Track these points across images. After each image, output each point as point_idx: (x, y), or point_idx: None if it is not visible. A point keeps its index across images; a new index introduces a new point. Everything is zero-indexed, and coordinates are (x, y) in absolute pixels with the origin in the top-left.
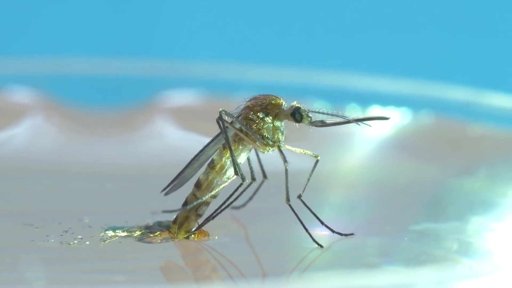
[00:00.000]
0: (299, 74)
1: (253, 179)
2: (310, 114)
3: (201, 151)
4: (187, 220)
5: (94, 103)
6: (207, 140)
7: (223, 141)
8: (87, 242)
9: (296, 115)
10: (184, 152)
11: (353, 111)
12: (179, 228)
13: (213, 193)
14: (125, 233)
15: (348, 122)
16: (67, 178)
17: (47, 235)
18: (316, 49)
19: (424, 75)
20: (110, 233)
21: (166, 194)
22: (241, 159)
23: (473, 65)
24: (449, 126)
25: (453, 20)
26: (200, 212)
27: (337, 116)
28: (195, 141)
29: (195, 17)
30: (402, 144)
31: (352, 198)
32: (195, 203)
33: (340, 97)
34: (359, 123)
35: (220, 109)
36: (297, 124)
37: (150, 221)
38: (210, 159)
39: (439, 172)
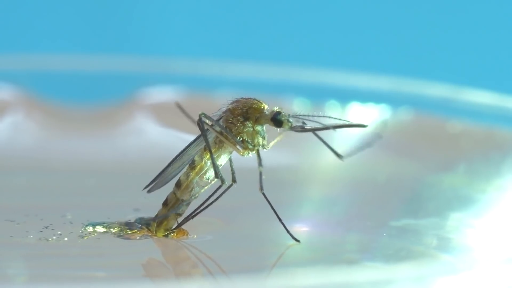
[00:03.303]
0: (279, 71)
1: (234, 181)
2: (290, 119)
3: (182, 150)
4: (167, 218)
5: (74, 99)
6: (186, 137)
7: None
8: (66, 238)
9: (276, 120)
10: (164, 149)
11: (332, 108)
12: (158, 226)
13: (192, 193)
14: (104, 229)
15: (327, 128)
16: (49, 174)
17: (27, 231)
18: (296, 46)
19: (403, 72)
20: (90, 229)
21: (149, 191)
22: (222, 161)
23: (452, 62)
24: (428, 122)
25: (432, 17)
26: (179, 211)
27: (317, 122)
28: (175, 138)
29: (174, 13)
30: (381, 141)
31: (331, 194)
32: (177, 208)
33: (319, 93)
34: (337, 129)
35: (200, 112)
36: (278, 129)
37: (132, 217)
38: (191, 160)
39: (418, 168)
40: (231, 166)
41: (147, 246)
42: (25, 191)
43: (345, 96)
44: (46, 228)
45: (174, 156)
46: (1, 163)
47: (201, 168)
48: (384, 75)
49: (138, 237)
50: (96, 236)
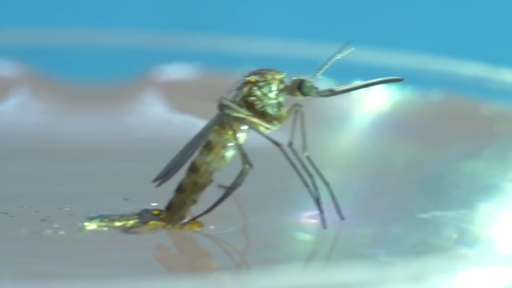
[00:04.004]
0: (303, 48)
1: (250, 165)
2: (315, 85)
3: (196, 138)
4: (184, 205)
5: (84, 77)
6: (196, 120)
7: (218, 120)
8: (62, 232)
9: (302, 88)
10: (171, 130)
11: None
12: (172, 216)
13: (211, 177)
14: (113, 224)
15: (358, 87)
16: (52, 158)
17: (21, 224)
18: (319, 21)
19: (434, 50)
20: (96, 223)
21: (158, 185)
22: (241, 140)
23: (487, 41)
24: (460, 104)
25: None
26: (196, 197)
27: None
28: (182, 121)
29: None
30: (406, 123)
31: (344, 182)
32: (196, 194)
33: (344, 71)
34: (370, 87)
35: (219, 97)
36: (301, 97)
37: (134, 207)
38: (205, 141)
39: (444, 154)
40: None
41: (159, 239)
42: (28, 176)
43: (371, 74)
44: (44, 221)
45: (187, 143)
46: (6, 145)
47: (222, 147)
48: (414, 53)
49: (146, 231)
50: (96, 230)
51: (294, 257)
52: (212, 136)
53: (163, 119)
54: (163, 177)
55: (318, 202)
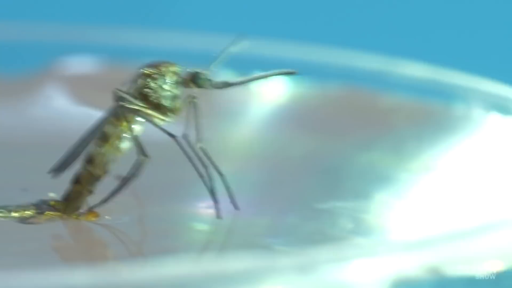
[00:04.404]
0: (203, 40)
1: (146, 155)
2: (210, 77)
3: (91, 129)
4: (80, 196)
5: None
6: (99, 113)
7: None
8: None
9: (197, 79)
10: (73, 123)
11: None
12: (68, 206)
13: (107, 168)
14: (9, 214)
15: (253, 79)
16: None
17: None
18: (217, 12)
19: (332, 41)
20: None
21: (53, 176)
22: (136, 132)
23: (385, 33)
24: (357, 96)
25: None
26: (92, 188)
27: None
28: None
29: None
30: (303, 115)
31: (240, 172)
32: (91, 185)
33: (242, 64)
34: (264, 79)
35: (114, 89)
36: (196, 89)
37: (32, 198)
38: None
39: (340, 145)
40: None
41: (55, 229)
42: None
43: (268, 66)
44: None
45: (82, 134)
46: None
47: (116, 139)
48: (311, 45)
49: (43, 221)
50: None
51: (190, 247)
52: (107, 128)
53: (66, 112)
54: (58, 168)
55: (212, 192)
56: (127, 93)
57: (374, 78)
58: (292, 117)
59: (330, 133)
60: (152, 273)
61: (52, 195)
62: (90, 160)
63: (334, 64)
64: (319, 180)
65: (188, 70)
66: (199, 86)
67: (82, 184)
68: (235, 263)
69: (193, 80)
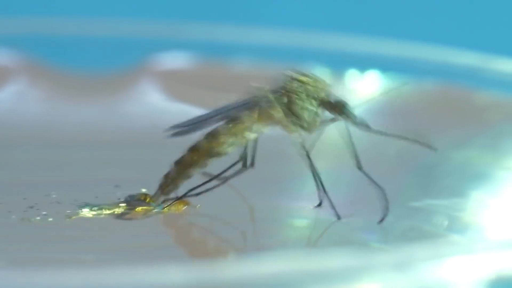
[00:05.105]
0: (299, 37)
1: (252, 164)
2: (355, 114)
3: (230, 108)
4: (178, 179)
5: (81, 66)
6: (192, 108)
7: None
8: (51, 219)
9: (344, 109)
10: (167, 119)
11: (352, 77)
12: (166, 186)
13: (223, 149)
14: (102, 212)
15: (388, 135)
16: (48, 146)
17: (9, 211)
18: (316, 12)
19: (429, 39)
20: (86, 211)
21: (171, 135)
22: (253, 135)
23: (481, 30)
24: (453, 93)
25: None
26: (207, 163)
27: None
28: (179, 110)
29: None
30: (399, 112)
31: (336, 170)
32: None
33: (339, 61)
34: (402, 139)
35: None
36: (334, 117)
37: (120, 194)
38: (236, 117)
39: (436, 142)
40: (249, 146)
41: (149, 226)
42: (16, 165)
43: (365, 64)
44: (31, 208)
45: (218, 107)
46: (1, 134)
47: (246, 129)
48: (408, 42)
49: (139, 216)
50: (86, 217)
51: (287, 244)
52: (245, 117)
53: (160, 108)
54: (180, 131)
55: (325, 192)
56: (274, 92)
57: (470, 75)
58: (387, 114)
59: (425, 130)
60: (249, 270)
61: (144, 191)
62: (215, 136)
63: (430, 61)
64: (414, 177)
65: (337, 96)
66: (341, 114)
67: (199, 153)
68: (332, 260)
69: (339, 107)
